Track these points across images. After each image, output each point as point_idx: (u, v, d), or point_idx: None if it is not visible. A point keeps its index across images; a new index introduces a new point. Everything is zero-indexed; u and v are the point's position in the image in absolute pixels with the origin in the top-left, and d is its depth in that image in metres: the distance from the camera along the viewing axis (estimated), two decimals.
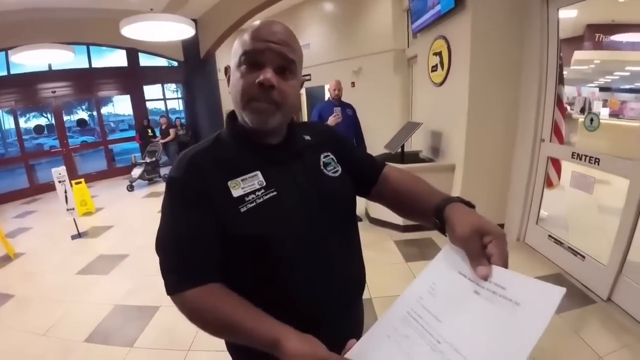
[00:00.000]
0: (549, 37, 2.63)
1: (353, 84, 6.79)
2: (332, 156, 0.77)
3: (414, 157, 3.81)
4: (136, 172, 6.36)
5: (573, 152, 2.49)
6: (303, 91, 9.82)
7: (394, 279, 2.62)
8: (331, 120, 3.15)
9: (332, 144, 0.79)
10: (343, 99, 3.59)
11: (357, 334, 0.84)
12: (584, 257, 2.42)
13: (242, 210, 0.62)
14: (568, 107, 3.30)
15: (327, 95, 3.87)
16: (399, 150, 3.52)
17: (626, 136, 2.80)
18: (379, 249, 3.17)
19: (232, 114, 0.72)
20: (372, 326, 0.53)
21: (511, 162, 3.07)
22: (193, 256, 0.62)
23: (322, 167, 0.74)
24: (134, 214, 5.03)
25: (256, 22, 0.65)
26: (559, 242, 2.66)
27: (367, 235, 3.38)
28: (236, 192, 0.63)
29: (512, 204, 3.12)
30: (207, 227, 0.62)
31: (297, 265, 0.67)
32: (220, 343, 1.02)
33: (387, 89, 6.20)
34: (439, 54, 3.39)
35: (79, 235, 4.08)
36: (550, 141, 2.76)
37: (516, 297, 0.43)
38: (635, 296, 2.04)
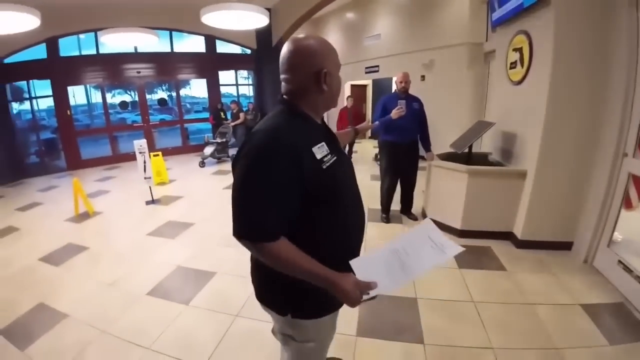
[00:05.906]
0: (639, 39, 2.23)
1: (423, 77, 6.50)
2: None
3: (482, 159, 3.53)
4: (208, 150, 6.86)
5: None
6: (369, 82, 9.62)
7: (444, 283, 2.48)
8: (394, 113, 3.04)
9: None
10: (411, 92, 3.46)
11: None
12: None
13: (324, 167, 0.88)
14: None
15: (394, 88, 3.76)
16: (466, 150, 3.29)
17: None
18: None
19: (288, 101, 0.95)
20: (372, 252, 0.96)
21: (588, 175, 2.69)
22: (279, 215, 0.83)
23: None
24: (203, 187, 5.39)
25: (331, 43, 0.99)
26: (627, 269, 2.30)
27: None
28: (318, 155, 0.88)
29: (584, 223, 2.74)
30: (295, 188, 0.83)
31: (350, 210, 1.00)
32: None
33: (458, 85, 5.84)
34: (520, 50, 3.07)
35: (153, 201, 4.55)
36: (634, 157, 2.35)
37: (444, 248, 0.92)
38: None
